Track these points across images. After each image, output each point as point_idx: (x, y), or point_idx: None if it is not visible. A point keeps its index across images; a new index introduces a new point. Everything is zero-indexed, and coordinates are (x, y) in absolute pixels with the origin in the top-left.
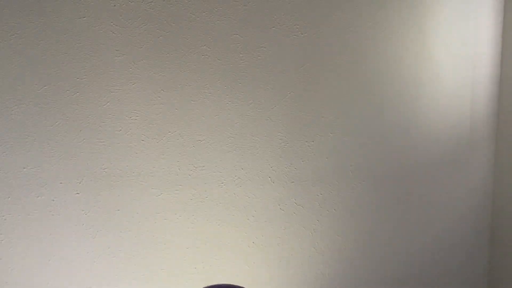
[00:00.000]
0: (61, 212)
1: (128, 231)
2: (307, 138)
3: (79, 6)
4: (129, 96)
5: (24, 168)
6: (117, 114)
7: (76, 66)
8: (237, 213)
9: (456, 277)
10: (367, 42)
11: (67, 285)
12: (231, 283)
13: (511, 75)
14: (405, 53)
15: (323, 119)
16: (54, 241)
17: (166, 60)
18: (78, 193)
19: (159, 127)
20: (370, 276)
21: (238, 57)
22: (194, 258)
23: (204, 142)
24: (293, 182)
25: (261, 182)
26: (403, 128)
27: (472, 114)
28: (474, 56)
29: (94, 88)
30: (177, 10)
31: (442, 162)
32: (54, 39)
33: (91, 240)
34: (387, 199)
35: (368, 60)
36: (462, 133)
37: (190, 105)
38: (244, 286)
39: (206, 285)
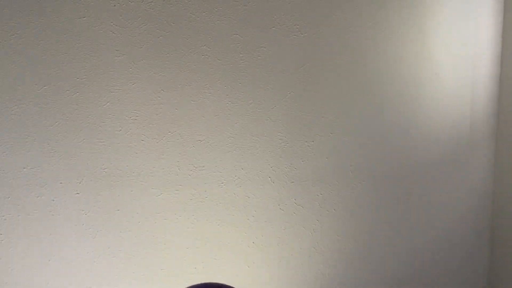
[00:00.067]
0: (61, 212)
1: (128, 231)
2: (307, 138)
3: (79, 6)
4: (129, 96)
5: (24, 168)
6: (117, 114)
7: (76, 66)
8: (237, 213)
9: (456, 277)
10: (367, 42)
11: (67, 285)
12: (211, 282)
13: (511, 75)
14: (405, 53)
15: (323, 119)
16: (54, 241)
17: (166, 60)
18: (78, 193)
19: (159, 127)
20: (370, 276)
21: (238, 57)
22: (194, 258)
23: (204, 142)
24: (293, 182)
25: (261, 182)
26: (403, 128)
27: (472, 114)
28: (474, 56)
29: (94, 88)
30: (177, 10)
31: (442, 162)
32: (54, 39)
33: (91, 240)
34: (387, 199)
35: (368, 60)
36: (462, 133)
37: (190, 105)
38: (228, 285)
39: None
